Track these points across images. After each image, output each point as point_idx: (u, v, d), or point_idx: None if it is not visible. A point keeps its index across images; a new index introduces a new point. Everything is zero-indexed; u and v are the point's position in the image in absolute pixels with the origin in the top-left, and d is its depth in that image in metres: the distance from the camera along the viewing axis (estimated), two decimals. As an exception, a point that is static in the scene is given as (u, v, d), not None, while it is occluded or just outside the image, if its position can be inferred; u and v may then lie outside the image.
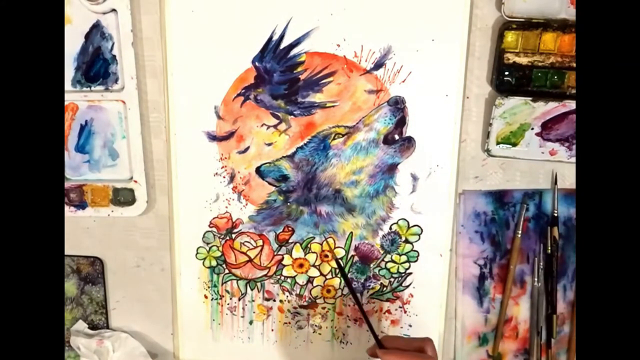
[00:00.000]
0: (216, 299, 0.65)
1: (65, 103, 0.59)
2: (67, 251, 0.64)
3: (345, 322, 0.65)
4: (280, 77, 0.57)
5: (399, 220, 0.61)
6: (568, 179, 0.59)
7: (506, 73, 0.55)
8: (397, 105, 0.57)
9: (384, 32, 0.55)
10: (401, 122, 0.58)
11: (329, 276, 0.63)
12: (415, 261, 0.62)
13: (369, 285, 0.63)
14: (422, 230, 0.61)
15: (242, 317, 0.65)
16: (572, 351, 0.63)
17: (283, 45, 0.56)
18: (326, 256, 0.62)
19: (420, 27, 0.55)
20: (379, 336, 0.53)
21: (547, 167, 0.59)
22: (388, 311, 0.64)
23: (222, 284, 0.64)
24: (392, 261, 0.62)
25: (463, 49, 0.55)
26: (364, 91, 0.57)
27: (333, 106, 0.58)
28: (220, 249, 0.63)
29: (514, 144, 0.57)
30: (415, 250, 0.61)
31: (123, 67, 0.58)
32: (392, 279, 0.63)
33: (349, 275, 0.63)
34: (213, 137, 0.60)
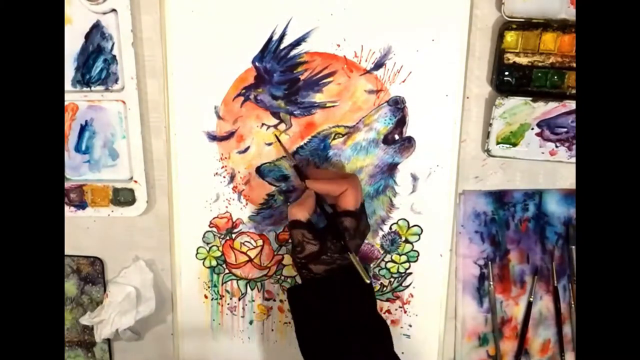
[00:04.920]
0: (216, 299, 0.65)
1: (65, 103, 0.59)
2: (67, 251, 0.64)
3: (345, 322, 0.65)
4: (280, 77, 0.57)
5: (399, 220, 0.61)
6: (568, 179, 0.59)
7: (506, 73, 0.55)
8: (397, 105, 0.57)
9: (384, 32, 0.55)
10: (401, 122, 0.58)
11: (329, 276, 0.63)
12: (415, 261, 0.62)
13: (369, 285, 0.63)
14: (422, 230, 0.61)
15: (242, 317, 0.65)
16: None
17: (283, 45, 0.56)
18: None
19: (420, 27, 0.55)
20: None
21: (547, 167, 0.59)
22: (388, 311, 0.64)
23: (222, 284, 0.64)
24: (392, 261, 0.62)
25: (463, 49, 0.55)
26: (364, 91, 0.57)
27: (333, 106, 0.58)
28: (220, 249, 0.63)
29: (514, 144, 0.57)
30: (415, 250, 0.61)
31: (123, 67, 0.58)
32: (392, 279, 0.63)
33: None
34: (213, 137, 0.60)
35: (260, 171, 0.60)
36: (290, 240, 0.50)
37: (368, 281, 0.49)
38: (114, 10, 0.56)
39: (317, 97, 0.58)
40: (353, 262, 0.49)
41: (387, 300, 0.63)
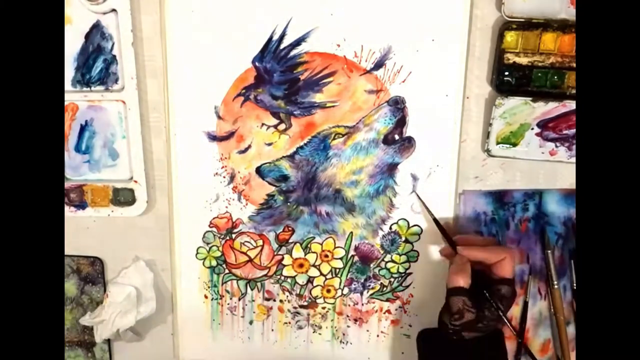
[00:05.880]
0: (216, 299, 0.65)
1: (65, 103, 0.59)
2: (67, 251, 0.64)
3: (345, 322, 0.65)
4: (280, 77, 0.57)
5: (399, 220, 0.61)
6: (568, 179, 0.59)
7: (506, 73, 0.55)
8: (397, 105, 0.57)
9: (384, 32, 0.55)
10: (401, 122, 0.58)
11: (329, 276, 0.63)
12: (415, 261, 0.62)
13: (369, 285, 0.63)
14: (422, 230, 0.61)
15: (242, 317, 0.65)
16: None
17: (283, 45, 0.56)
18: (326, 256, 0.62)
19: (420, 27, 0.55)
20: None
21: (547, 167, 0.59)
22: (388, 311, 0.64)
23: (222, 284, 0.64)
24: (392, 261, 0.62)
25: (463, 49, 0.55)
26: (364, 91, 0.57)
27: (333, 106, 0.58)
28: (220, 249, 0.63)
29: (514, 144, 0.57)
30: (415, 250, 0.61)
31: (123, 67, 0.58)
32: (392, 279, 0.63)
33: (349, 276, 0.63)
34: (213, 137, 0.60)
35: (260, 171, 0.60)
36: (448, 308, 0.51)
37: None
38: (114, 10, 0.56)
39: (317, 97, 0.58)
40: (508, 326, 0.52)
41: (387, 300, 0.63)
